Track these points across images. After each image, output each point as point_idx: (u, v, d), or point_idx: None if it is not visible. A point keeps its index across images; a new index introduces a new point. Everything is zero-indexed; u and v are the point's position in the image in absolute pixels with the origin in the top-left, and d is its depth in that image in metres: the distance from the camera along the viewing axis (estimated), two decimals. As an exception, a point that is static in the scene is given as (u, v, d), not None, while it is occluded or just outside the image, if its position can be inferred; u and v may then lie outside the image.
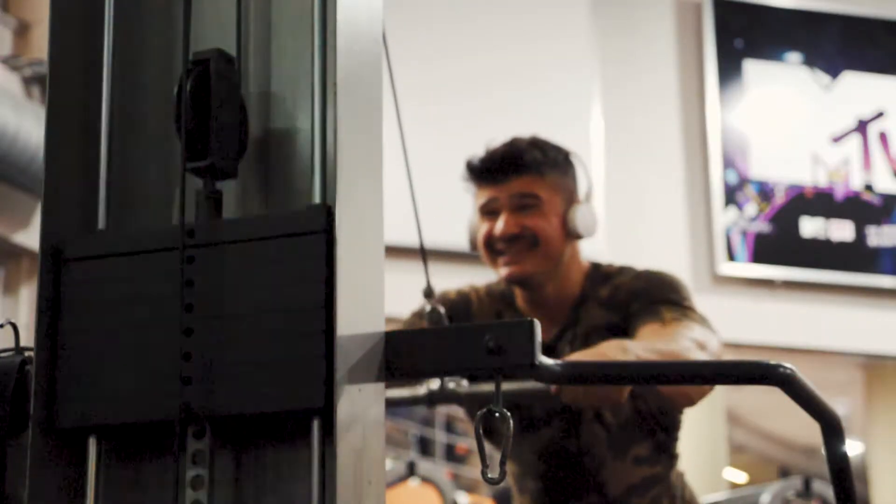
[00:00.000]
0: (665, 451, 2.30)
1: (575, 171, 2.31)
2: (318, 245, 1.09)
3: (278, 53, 1.22)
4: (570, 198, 2.28)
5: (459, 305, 2.36)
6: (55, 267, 1.17)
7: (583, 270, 2.31)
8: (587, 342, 2.22)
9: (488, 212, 2.26)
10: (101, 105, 1.21)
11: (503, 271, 2.23)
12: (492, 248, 2.25)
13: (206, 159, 1.14)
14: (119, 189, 1.22)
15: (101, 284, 1.16)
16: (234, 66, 1.18)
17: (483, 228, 2.26)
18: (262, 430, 1.14)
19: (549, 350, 2.24)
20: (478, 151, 2.29)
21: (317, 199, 1.13)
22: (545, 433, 2.27)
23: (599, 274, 2.30)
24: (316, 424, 1.08)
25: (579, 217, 2.25)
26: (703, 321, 2.15)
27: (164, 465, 1.14)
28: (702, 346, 2.05)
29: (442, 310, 2.11)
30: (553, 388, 1.89)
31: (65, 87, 1.22)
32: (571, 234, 2.25)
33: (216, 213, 1.16)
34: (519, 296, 2.32)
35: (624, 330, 2.19)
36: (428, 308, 2.12)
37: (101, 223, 1.19)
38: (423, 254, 2.04)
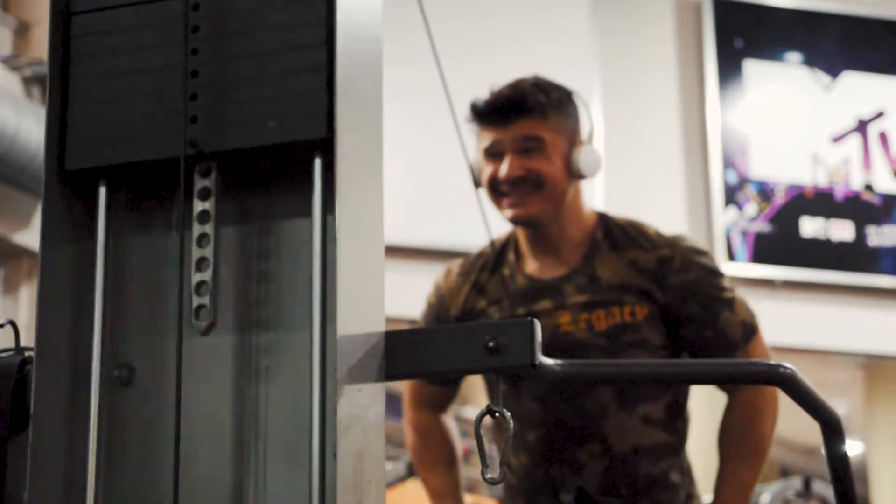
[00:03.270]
0: (679, 414, 2.30)
1: (577, 111, 2.34)
2: None
3: None
4: (573, 138, 2.31)
5: (437, 307, 2.42)
6: (65, 21, 1.21)
7: (590, 216, 2.34)
8: (622, 295, 2.25)
9: (492, 154, 2.29)
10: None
11: (508, 213, 2.28)
12: (496, 190, 2.29)
13: None
14: None
15: (108, 35, 1.20)
16: None
17: (488, 171, 2.29)
18: (267, 169, 1.19)
19: (553, 289, 2.28)
20: (482, 94, 2.32)
21: None
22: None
23: (611, 224, 2.34)
24: (318, 162, 1.12)
25: (582, 157, 2.29)
26: (742, 305, 2.31)
27: (173, 206, 1.20)
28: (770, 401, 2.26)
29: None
30: None
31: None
32: (574, 175, 2.29)
33: None
34: (522, 237, 2.34)
35: (674, 318, 2.27)
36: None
37: None
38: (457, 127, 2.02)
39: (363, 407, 1.10)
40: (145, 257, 1.22)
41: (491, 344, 1.12)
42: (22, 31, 5.97)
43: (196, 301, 1.15)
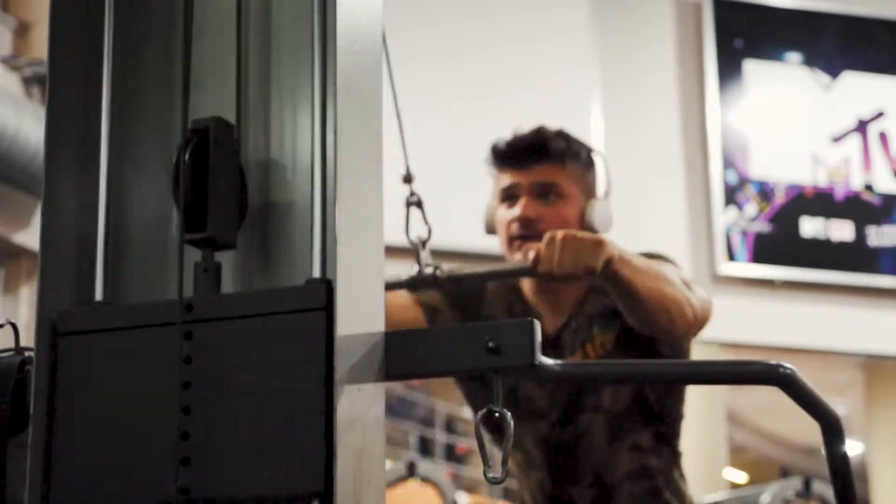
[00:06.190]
0: (667, 443, 2.31)
1: (595, 168, 2.35)
2: (317, 322, 1.07)
3: (277, 122, 1.20)
4: (589, 192, 2.32)
5: (474, 291, 2.40)
6: (51, 342, 1.15)
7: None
8: (591, 329, 2.25)
9: (508, 196, 2.29)
10: (99, 175, 1.19)
11: (518, 257, 2.26)
12: (508, 233, 2.29)
13: (205, 231, 1.12)
14: (117, 259, 1.20)
15: (98, 360, 1.14)
16: (233, 133, 1.16)
17: (504, 215, 2.29)
18: None
19: (554, 340, 2.28)
20: (504, 135, 2.33)
21: (316, 272, 1.11)
22: (544, 422, 2.28)
23: None
24: None
25: (596, 212, 2.29)
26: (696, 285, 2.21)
27: None
28: (687, 285, 2.13)
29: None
30: (531, 260, 1.97)
31: (65, 90, 1.22)
32: (587, 228, 2.28)
33: (215, 285, 1.14)
34: (526, 285, 2.34)
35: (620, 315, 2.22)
36: (409, 194, 2.10)
37: (99, 294, 1.17)
38: (400, 124, 1.97)
39: (363, 407, 1.10)
40: None
41: (491, 344, 1.12)
42: (22, 31, 5.97)
43: None
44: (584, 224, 2.28)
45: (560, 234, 1.96)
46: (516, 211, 2.26)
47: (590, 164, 2.34)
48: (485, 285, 2.38)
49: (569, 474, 2.29)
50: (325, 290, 1.08)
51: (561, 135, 2.33)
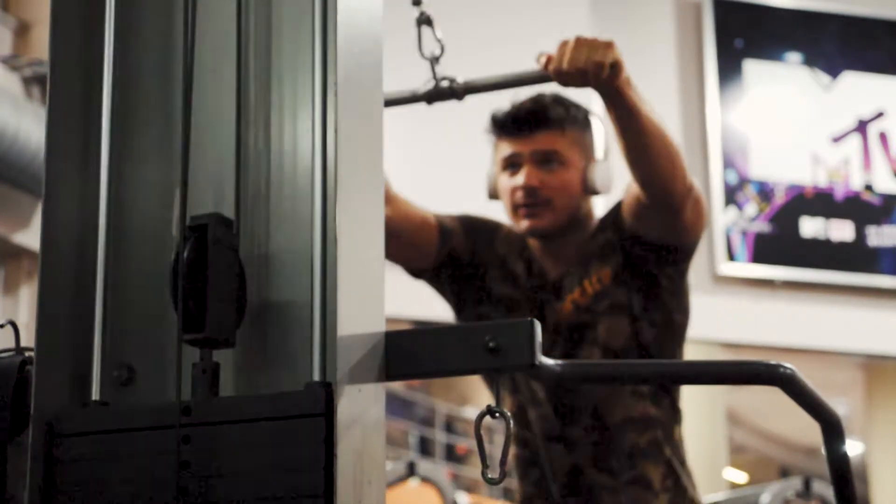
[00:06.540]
0: (667, 392, 2.31)
1: (593, 129, 2.37)
2: (317, 429, 1.06)
3: (277, 215, 1.19)
4: (589, 155, 2.35)
5: (489, 226, 2.43)
6: (47, 442, 1.13)
7: (595, 224, 2.36)
8: (588, 269, 2.31)
9: (510, 164, 2.32)
10: (97, 275, 1.18)
11: (523, 224, 2.30)
12: (512, 200, 2.31)
13: (203, 331, 1.10)
14: (113, 358, 1.19)
15: (94, 462, 1.12)
16: (233, 229, 1.15)
17: (507, 183, 2.31)
18: None
19: (556, 287, 2.30)
20: (503, 105, 2.35)
21: (316, 374, 1.09)
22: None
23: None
24: None
25: (597, 174, 2.32)
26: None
27: None
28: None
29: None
30: (543, 64, 2.05)
31: (65, 90, 1.22)
32: (589, 191, 2.32)
33: (213, 386, 1.13)
34: (532, 243, 2.36)
35: (619, 245, 2.28)
36: (419, 14, 2.18)
37: (95, 394, 1.16)
38: None
39: (363, 407, 1.10)
40: None
41: (491, 344, 1.12)
42: (22, 31, 5.98)
43: None
44: (587, 186, 2.31)
45: (573, 38, 2.02)
46: (520, 179, 2.29)
47: (587, 127, 2.36)
48: (498, 227, 2.40)
49: (569, 410, 2.29)
50: (324, 396, 1.06)
51: (559, 100, 2.35)
